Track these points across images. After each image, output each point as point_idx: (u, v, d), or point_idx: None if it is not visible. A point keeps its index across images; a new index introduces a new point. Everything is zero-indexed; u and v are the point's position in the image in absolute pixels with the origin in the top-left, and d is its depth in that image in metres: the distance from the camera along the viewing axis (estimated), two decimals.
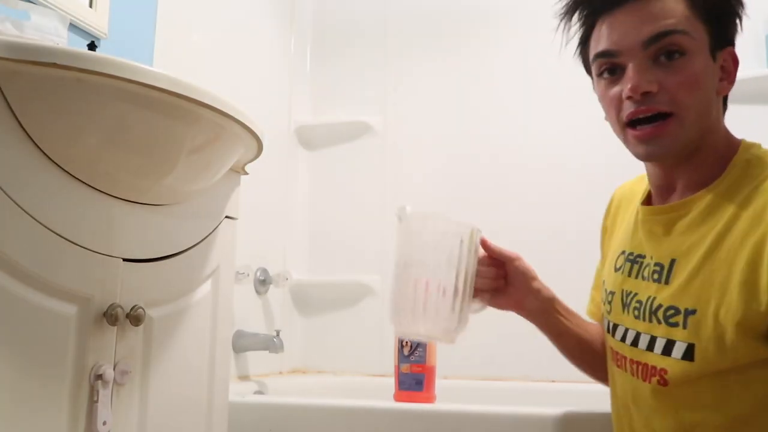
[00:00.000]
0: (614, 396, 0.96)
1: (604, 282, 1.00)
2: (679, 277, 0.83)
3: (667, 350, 0.83)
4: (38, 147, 0.73)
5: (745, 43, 1.85)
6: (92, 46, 0.90)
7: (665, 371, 0.83)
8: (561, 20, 0.90)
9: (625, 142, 0.87)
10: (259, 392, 1.70)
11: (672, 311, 0.83)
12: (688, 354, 0.80)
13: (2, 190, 0.69)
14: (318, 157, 2.26)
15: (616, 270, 0.95)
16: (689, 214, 0.84)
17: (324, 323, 2.13)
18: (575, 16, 0.90)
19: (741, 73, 1.88)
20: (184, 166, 0.88)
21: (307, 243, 2.20)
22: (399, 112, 2.20)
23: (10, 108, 0.71)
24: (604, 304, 0.98)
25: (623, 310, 0.91)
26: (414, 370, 1.42)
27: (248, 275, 1.80)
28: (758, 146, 0.87)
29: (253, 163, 1.09)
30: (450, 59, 2.16)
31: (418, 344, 1.42)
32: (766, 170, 0.81)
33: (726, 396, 0.79)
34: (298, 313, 2.15)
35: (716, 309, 0.78)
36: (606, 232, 1.08)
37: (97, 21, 1.33)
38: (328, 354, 2.09)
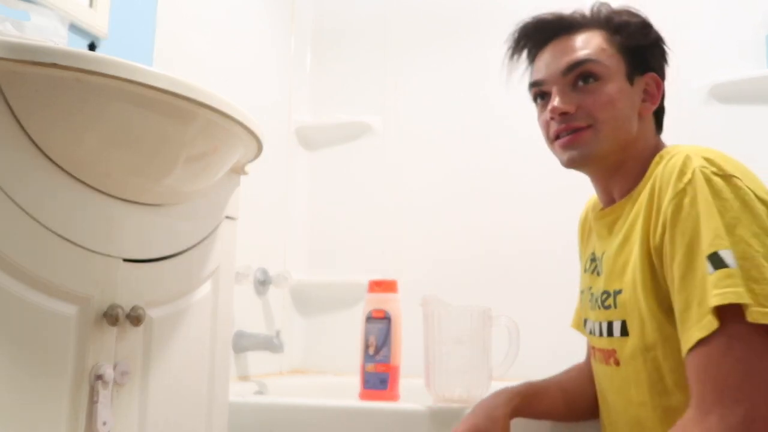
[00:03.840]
0: (596, 389, 1.03)
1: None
2: (606, 267, 0.96)
3: (611, 331, 0.93)
4: (38, 147, 0.73)
5: (745, 43, 1.87)
6: (92, 47, 0.90)
7: (615, 351, 0.93)
8: (511, 57, 1.05)
9: (555, 153, 0.99)
10: (260, 392, 1.70)
11: (605, 295, 0.94)
12: (624, 330, 0.90)
13: (2, 190, 0.69)
14: (318, 157, 2.26)
15: (585, 271, 1.06)
16: (621, 217, 0.95)
17: (324, 323, 2.13)
18: (524, 54, 1.05)
19: (741, 73, 1.90)
20: (183, 167, 0.88)
21: (307, 243, 2.20)
22: (399, 112, 2.20)
23: (10, 108, 0.71)
24: (580, 303, 1.08)
25: (588, 305, 1.02)
26: (379, 370, 1.46)
27: (248, 275, 1.80)
28: (669, 149, 0.94)
29: (253, 163, 1.09)
30: (450, 59, 2.16)
31: (383, 344, 1.46)
32: (656, 167, 0.90)
33: (657, 375, 0.86)
34: (298, 313, 2.15)
35: (633, 284, 0.87)
36: (581, 241, 1.14)
37: (97, 21, 1.33)
38: (328, 354, 2.09)
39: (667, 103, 2.10)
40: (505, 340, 1.30)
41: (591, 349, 1.03)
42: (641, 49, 0.98)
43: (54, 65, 0.69)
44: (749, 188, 0.79)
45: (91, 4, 1.32)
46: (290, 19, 2.24)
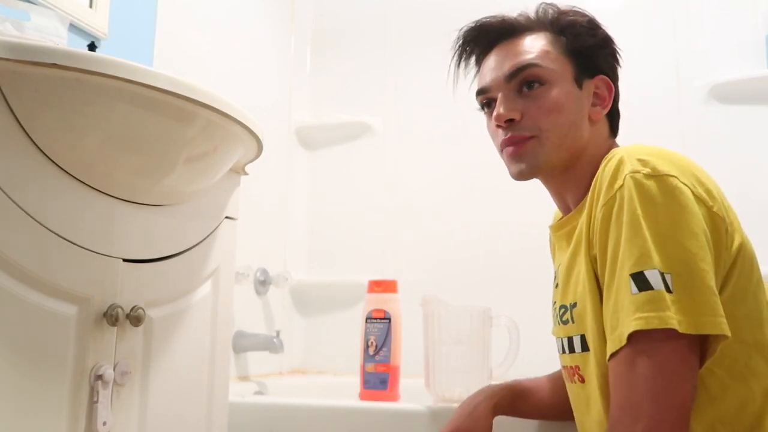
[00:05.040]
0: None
1: None
2: (561, 280, 0.92)
3: (572, 347, 0.89)
4: (38, 147, 0.73)
5: (745, 43, 1.87)
6: (92, 47, 0.90)
7: (578, 368, 0.88)
8: (458, 64, 1.04)
9: (505, 164, 0.96)
10: (259, 393, 1.70)
11: (563, 310, 0.91)
12: (585, 345, 0.85)
13: (2, 190, 0.69)
14: (318, 157, 2.26)
15: (554, 287, 1.01)
16: (575, 227, 0.89)
17: (324, 323, 2.13)
18: (472, 60, 1.03)
19: (741, 73, 1.90)
20: (183, 167, 0.88)
21: (307, 243, 2.20)
22: (399, 112, 2.20)
23: (10, 108, 0.71)
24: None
25: (553, 321, 0.98)
26: (379, 370, 1.46)
27: (248, 275, 1.80)
28: (614, 150, 0.86)
29: (253, 163, 1.09)
30: (450, 59, 2.16)
31: (383, 344, 1.47)
32: (600, 172, 0.83)
33: (609, 392, 0.80)
34: (298, 314, 2.15)
35: (584, 296, 0.84)
36: (552, 252, 1.10)
37: (97, 21, 1.33)
38: (328, 354, 2.09)
39: (667, 103, 2.11)
40: (505, 340, 1.30)
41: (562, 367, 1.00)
42: (588, 51, 0.93)
43: (54, 65, 0.69)
44: (687, 186, 0.74)
45: (91, 4, 1.32)
46: (290, 19, 2.24)
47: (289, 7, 2.23)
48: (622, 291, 0.73)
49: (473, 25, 1.00)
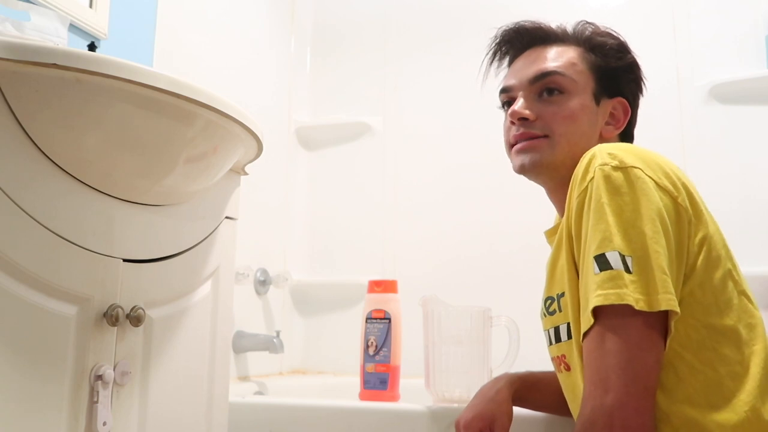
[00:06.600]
0: None
1: None
2: (547, 273, 0.96)
3: (558, 336, 0.92)
4: (38, 148, 0.73)
5: (745, 43, 1.88)
6: (92, 47, 0.90)
7: (564, 356, 0.91)
8: (491, 61, 1.08)
9: (510, 160, 1.00)
10: (259, 393, 1.70)
11: (549, 301, 0.94)
12: (570, 333, 0.88)
13: (2, 190, 0.70)
14: (318, 157, 2.26)
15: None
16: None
17: (324, 323, 2.13)
18: (503, 59, 1.07)
19: (741, 73, 1.90)
20: (184, 167, 0.88)
21: (307, 243, 2.20)
22: (399, 112, 2.20)
23: (11, 108, 0.71)
24: None
25: (541, 317, 1.00)
26: (379, 370, 1.47)
27: (248, 275, 1.80)
28: (592, 149, 0.89)
29: (253, 163, 1.09)
30: (450, 59, 2.16)
31: (383, 344, 1.47)
32: (576, 169, 0.87)
33: None
34: (298, 314, 2.15)
35: (567, 286, 0.87)
36: None
37: (97, 21, 1.33)
38: (328, 354, 2.09)
39: (667, 103, 2.11)
40: (505, 340, 1.30)
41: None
42: (613, 72, 0.98)
43: (54, 65, 0.69)
44: (650, 177, 0.80)
45: (91, 4, 1.32)
46: (290, 19, 2.24)
47: (289, 7, 2.24)
48: (588, 273, 0.78)
49: (511, 26, 1.04)
